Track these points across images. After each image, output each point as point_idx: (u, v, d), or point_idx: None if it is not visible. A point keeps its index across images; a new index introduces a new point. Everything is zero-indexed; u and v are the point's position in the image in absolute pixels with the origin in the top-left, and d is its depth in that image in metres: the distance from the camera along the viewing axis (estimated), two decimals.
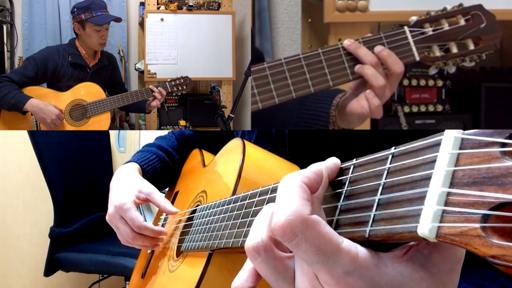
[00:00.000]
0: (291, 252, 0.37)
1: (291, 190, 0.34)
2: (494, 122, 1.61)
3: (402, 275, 0.33)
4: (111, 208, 0.93)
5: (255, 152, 0.77)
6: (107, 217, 0.95)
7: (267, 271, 0.37)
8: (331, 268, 0.32)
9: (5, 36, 2.70)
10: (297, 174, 0.36)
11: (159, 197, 0.94)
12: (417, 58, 0.81)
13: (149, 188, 0.95)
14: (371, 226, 0.33)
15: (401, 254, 0.34)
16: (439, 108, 1.62)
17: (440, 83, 1.62)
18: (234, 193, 0.69)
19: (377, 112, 0.78)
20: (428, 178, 0.30)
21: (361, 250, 0.33)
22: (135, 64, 2.74)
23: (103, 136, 2.54)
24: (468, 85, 1.66)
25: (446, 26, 0.80)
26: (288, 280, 0.36)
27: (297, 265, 0.36)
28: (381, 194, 0.33)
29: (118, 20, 2.10)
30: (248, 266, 0.40)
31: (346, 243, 0.33)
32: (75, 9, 2.02)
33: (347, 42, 0.81)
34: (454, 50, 0.80)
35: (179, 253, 0.85)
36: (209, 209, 0.73)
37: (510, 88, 1.61)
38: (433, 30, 0.81)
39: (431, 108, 1.62)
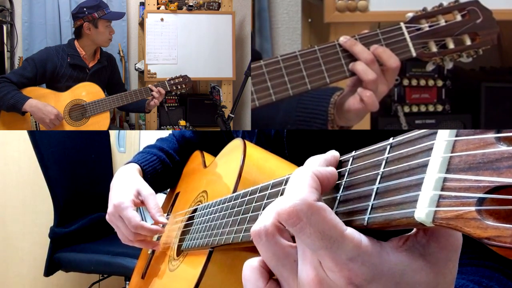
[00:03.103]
0: (294, 242, 0.37)
1: (301, 179, 0.35)
2: (494, 122, 1.61)
3: (403, 264, 0.33)
4: (110, 207, 0.94)
5: (255, 152, 0.77)
6: (107, 217, 0.95)
7: (267, 255, 0.38)
8: (335, 254, 0.33)
9: (5, 36, 2.70)
10: (310, 167, 0.37)
11: (152, 202, 0.94)
12: (414, 54, 0.81)
13: (147, 191, 0.96)
14: (369, 214, 0.34)
15: (400, 243, 0.34)
16: (439, 108, 1.62)
17: (440, 83, 1.61)
18: (234, 192, 0.69)
19: (372, 105, 0.78)
20: (425, 165, 0.30)
21: (364, 238, 0.33)
22: (135, 64, 2.74)
23: (103, 136, 2.54)
24: (468, 85, 1.66)
25: (442, 22, 0.80)
26: (288, 266, 0.37)
27: (300, 253, 0.37)
28: (379, 183, 0.34)
29: (121, 15, 2.18)
30: None
31: (350, 230, 0.33)
32: (85, 9, 2.03)
33: (342, 39, 0.80)
34: (451, 45, 0.80)
35: (179, 252, 0.85)
36: (209, 208, 0.73)
37: (510, 88, 1.61)
38: (429, 26, 0.81)
39: (431, 108, 1.62)
